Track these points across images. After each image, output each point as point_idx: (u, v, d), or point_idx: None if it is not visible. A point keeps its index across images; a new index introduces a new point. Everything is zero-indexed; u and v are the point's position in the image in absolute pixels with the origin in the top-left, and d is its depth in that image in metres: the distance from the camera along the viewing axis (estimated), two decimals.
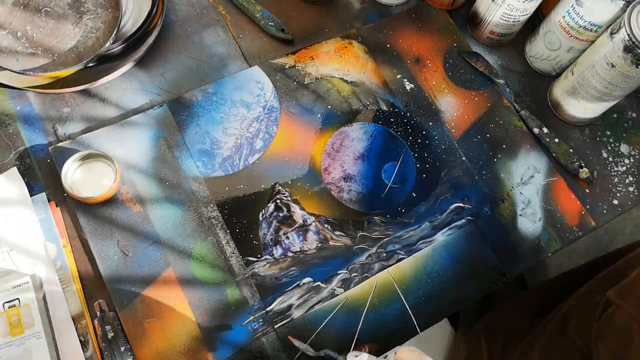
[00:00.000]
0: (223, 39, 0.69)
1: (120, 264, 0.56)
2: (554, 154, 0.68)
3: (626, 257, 0.62)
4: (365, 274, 0.59)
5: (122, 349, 0.52)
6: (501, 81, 0.70)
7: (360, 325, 0.57)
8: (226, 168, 0.62)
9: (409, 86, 0.69)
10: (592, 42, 0.63)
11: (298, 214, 0.61)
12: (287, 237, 0.60)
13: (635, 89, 0.62)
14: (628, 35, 0.55)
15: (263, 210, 0.60)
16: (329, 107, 0.67)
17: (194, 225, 0.59)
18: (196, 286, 0.56)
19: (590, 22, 0.62)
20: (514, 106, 0.70)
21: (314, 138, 0.65)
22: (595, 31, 0.63)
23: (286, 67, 0.68)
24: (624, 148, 0.70)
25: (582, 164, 0.67)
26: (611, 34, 0.58)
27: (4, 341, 0.49)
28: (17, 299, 0.51)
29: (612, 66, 0.58)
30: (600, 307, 0.58)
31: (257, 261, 0.58)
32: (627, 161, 0.70)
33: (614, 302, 0.55)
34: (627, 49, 0.56)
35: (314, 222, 0.61)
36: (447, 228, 0.63)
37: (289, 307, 0.57)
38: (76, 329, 0.53)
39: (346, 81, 0.68)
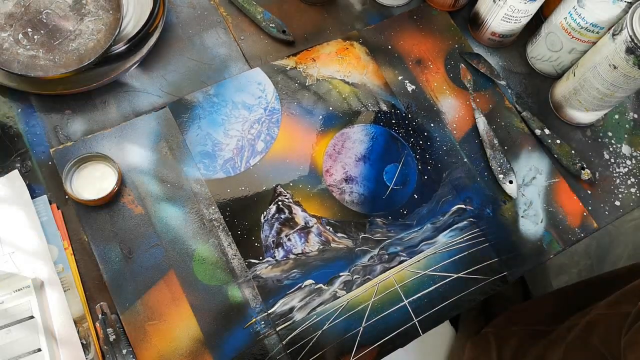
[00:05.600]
0: (224, 40, 0.69)
1: (122, 266, 0.56)
2: (555, 155, 0.68)
3: None
4: (367, 276, 0.59)
5: (124, 351, 0.52)
6: (502, 82, 0.70)
7: (362, 327, 0.57)
8: (227, 170, 0.62)
9: (410, 87, 0.69)
10: (594, 43, 0.63)
11: (300, 216, 0.61)
12: (289, 239, 0.60)
13: (637, 90, 0.62)
14: (630, 36, 0.55)
15: (265, 212, 0.60)
16: (330, 108, 0.67)
17: (196, 227, 0.59)
18: (198, 288, 0.56)
19: (592, 23, 0.62)
20: (515, 107, 0.70)
21: (315, 139, 0.65)
22: (597, 32, 0.63)
23: (287, 68, 0.67)
24: (625, 149, 0.70)
25: (584, 165, 0.67)
26: (613, 35, 0.58)
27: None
28: (19, 302, 0.51)
29: (614, 67, 0.58)
30: (631, 317, 0.57)
31: (258, 263, 0.58)
32: (628, 162, 0.70)
33: None
34: (629, 51, 0.55)
35: (315, 224, 0.61)
36: (448, 230, 0.63)
37: (291, 309, 0.57)
38: (78, 331, 0.53)
39: (347, 82, 0.68)
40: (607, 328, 0.63)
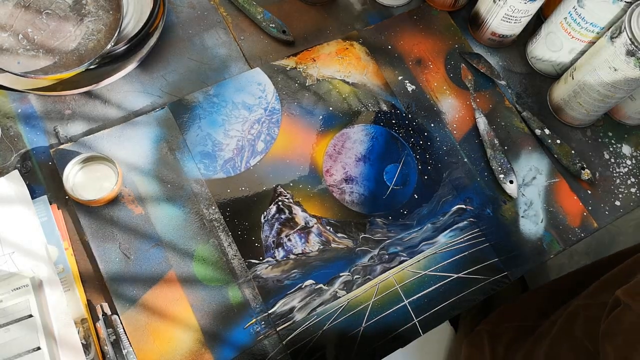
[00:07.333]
0: (224, 40, 0.69)
1: (122, 266, 0.56)
2: (555, 156, 0.68)
3: (635, 257, 0.62)
4: (368, 276, 0.59)
5: (124, 352, 0.52)
6: (502, 82, 0.70)
7: (362, 327, 0.57)
8: (228, 170, 0.62)
9: (410, 87, 0.69)
10: (594, 43, 0.63)
11: (300, 216, 0.61)
12: (289, 240, 0.60)
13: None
14: (630, 39, 0.55)
15: (265, 213, 0.60)
16: (330, 108, 0.67)
17: (196, 227, 0.59)
18: (198, 288, 0.56)
19: (592, 23, 0.62)
20: (515, 107, 0.70)
21: (316, 140, 0.65)
22: (597, 32, 0.63)
23: (287, 68, 0.67)
24: (625, 149, 0.70)
25: (584, 165, 0.67)
26: (611, 38, 0.58)
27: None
28: (17, 301, 0.51)
29: (615, 70, 0.58)
30: (608, 307, 0.57)
31: (259, 263, 0.58)
32: (628, 162, 0.70)
33: (622, 302, 0.55)
34: (630, 53, 0.55)
35: (315, 224, 0.61)
36: (449, 230, 0.63)
37: (291, 309, 0.57)
38: (78, 332, 0.52)
39: (347, 82, 0.68)
40: (588, 318, 0.63)
